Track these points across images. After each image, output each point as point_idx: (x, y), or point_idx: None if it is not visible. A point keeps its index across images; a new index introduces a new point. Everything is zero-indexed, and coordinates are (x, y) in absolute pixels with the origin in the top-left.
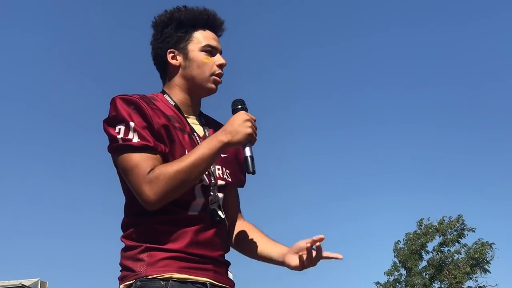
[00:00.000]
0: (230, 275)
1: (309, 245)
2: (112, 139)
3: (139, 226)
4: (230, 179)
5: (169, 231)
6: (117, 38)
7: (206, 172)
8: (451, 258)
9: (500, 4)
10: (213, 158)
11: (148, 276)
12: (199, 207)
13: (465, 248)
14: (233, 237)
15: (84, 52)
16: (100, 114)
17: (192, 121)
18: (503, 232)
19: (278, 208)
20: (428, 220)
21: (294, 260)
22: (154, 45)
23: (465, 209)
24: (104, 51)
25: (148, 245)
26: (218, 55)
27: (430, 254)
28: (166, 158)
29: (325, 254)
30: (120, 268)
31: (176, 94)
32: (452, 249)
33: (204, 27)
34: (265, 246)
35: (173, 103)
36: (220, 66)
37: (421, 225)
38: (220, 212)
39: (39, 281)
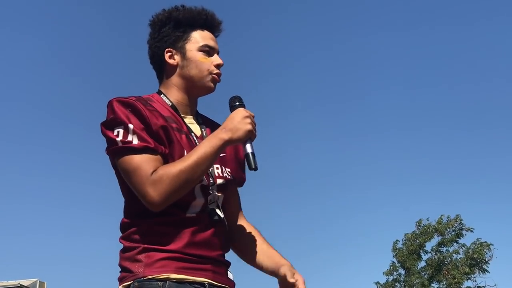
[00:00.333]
0: (230, 275)
1: (292, 281)
2: (111, 141)
3: (137, 227)
4: (230, 177)
5: (167, 232)
6: (115, 38)
7: None
8: (449, 258)
9: (501, 4)
10: (214, 156)
11: (145, 276)
12: (198, 208)
13: (463, 248)
14: (233, 238)
15: (81, 52)
16: (99, 112)
17: (189, 120)
18: (502, 232)
19: (277, 208)
20: (428, 220)
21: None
22: (151, 44)
23: (464, 209)
24: (101, 51)
25: (146, 246)
26: (215, 56)
27: (429, 254)
28: (166, 159)
29: None
30: (120, 269)
31: (173, 94)
32: (451, 249)
33: (202, 27)
34: (259, 256)
35: (169, 104)
36: (218, 66)
37: (419, 226)
38: (219, 212)
39: (38, 281)
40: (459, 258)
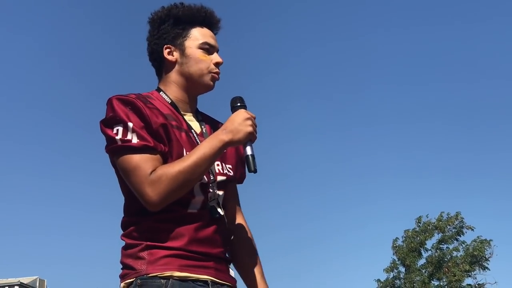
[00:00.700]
0: (232, 272)
1: None
2: (110, 140)
3: (139, 225)
4: (231, 173)
5: (169, 229)
6: (113, 37)
7: None
8: (449, 256)
9: (502, 3)
10: (214, 157)
11: (148, 274)
12: (198, 205)
13: (463, 245)
14: (231, 245)
15: (80, 51)
16: (99, 112)
17: (189, 118)
18: (502, 230)
19: (277, 206)
20: (427, 218)
21: None
22: (151, 41)
23: (464, 206)
24: (100, 50)
25: (148, 243)
26: (215, 54)
27: (429, 252)
28: (165, 158)
29: None
30: (121, 266)
31: (172, 91)
32: (451, 247)
33: (201, 24)
34: (243, 268)
35: (169, 101)
36: (217, 64)
37: (419, 223)
38: (219, 209)
39: (38, 279)
40: (459, 255)
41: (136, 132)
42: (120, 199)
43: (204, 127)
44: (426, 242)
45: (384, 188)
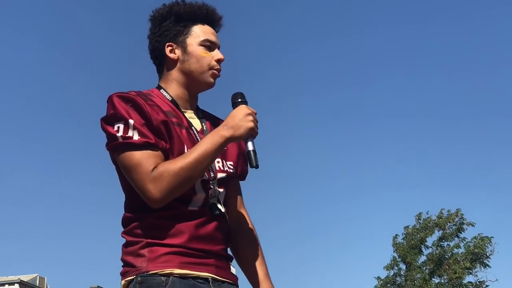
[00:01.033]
0: (233, 270)
1: None
2: (111, 137)
3: (139, 222)
4: (232, 170)
5: (170, 226)
6: (112, 36)
7: None
8: (450, 253)
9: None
10: (216, 153)
11: (149, 271)
12: (199, 202)
13: (464, 242)
14: (232, 241)
15: (78, 50)
16: (99, 111)
17: (190, 115)
18: (503, 227)
19: (277, 204)
20: (427, 214)
21: None
22: (152, 39)
23: (464, 203)
24: (99, 50)
25: (149, 240)
26: (216, 50)
27: (430, 249)
28: (167, 155)
29: None
30: (122, 264)
31: (173, 89)
32: (452, 244)
33: (203, 21)
34: (247, 265)
35: (169, 98)
36: (219, 61)
37: (419, 219)
38: (219, 206)
39: (38, 277)
40: (460, 252)
41: (137, 129)
42: (121, 197)
43: (204, 124)
44: (427, 239)
45: (384, 185)
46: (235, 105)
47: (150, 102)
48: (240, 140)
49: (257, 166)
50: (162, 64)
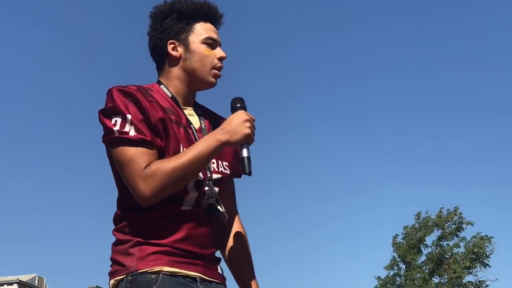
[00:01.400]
0: (221, 270)
1: None
2: (108, 130)
3: (131, 220)
4: (227, 171)
5: (161, 226)
6: (111, 34)
7: None
8: (450, 253)
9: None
10: (210, 156)
11: (138, 270)
12: (192, 202)
13: (464, 241)
14: (223, 241)
15: (77, 50)
16: (95, 114)
17: (189, 112)
18: (502, 226)
19: (276, 204)
20: (426, 213)
21: None
22: (153, 36)
23: (463, 202)
24: (98, 48)
25: (139, 239)
26: (218, 48)
27: (429, 249)
28: (162, 153)
29: None
30: (111, 263)
31: (173, 86)
32: (451, 243)
33: (204, 19)
34: (235, 267)
35: (170, 95)
36: (221, 59)
37: (418, 218)
38: (218, 206)
39: (37, 277)
40: (460, 252)
41: (134, 124)
42: (116, 196)
43: (203, 122)
44: (426, 238)
45: (382, 184)
46: (234, 110)
47: (150, 97)
48: (235, 145)
49: (250, 173)
50: (163, 62)
